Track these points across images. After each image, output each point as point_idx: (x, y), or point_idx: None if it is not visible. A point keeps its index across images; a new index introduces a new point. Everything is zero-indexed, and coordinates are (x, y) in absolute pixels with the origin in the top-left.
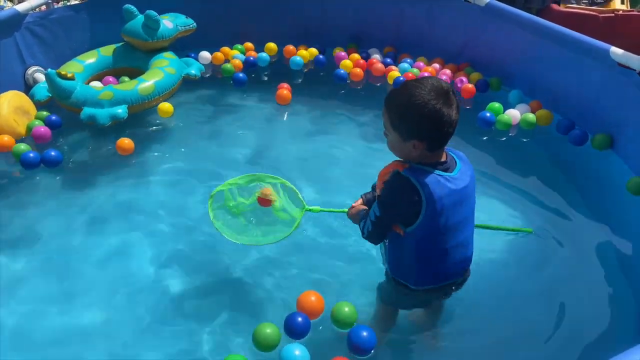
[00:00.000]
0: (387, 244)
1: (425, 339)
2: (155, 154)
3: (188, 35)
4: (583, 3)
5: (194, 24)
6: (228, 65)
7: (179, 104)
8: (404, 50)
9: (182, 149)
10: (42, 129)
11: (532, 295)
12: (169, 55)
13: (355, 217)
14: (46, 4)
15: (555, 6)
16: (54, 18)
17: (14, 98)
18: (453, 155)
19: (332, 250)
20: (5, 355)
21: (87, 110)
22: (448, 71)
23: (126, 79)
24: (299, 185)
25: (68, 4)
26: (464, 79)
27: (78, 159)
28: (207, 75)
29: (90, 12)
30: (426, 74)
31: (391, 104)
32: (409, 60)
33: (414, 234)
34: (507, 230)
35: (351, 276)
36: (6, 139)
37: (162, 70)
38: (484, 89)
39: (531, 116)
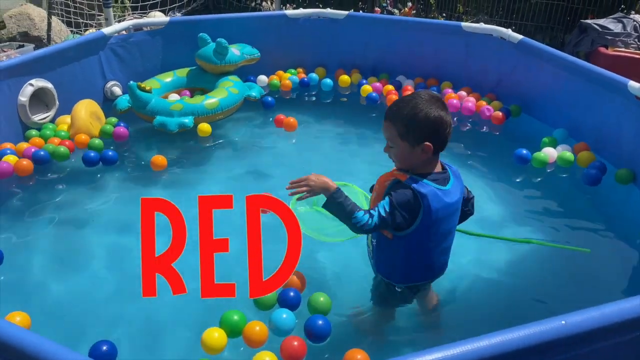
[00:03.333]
0: (374, 242)
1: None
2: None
3: (253, 63)
4: (632, 47)
5: (258, 53)
6: (277, 82)
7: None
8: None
9: (218, 166)
10: (121, 128)
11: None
12: (234, 78)
13: (330, 194)
14: (127, 29)
15: (603, 49)
16: (133, 41)
17: (90, 104)
18: (447, 168)
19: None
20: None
21: (159, 119)
22: (472, 98)
23: (200, 94)
24: None
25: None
26: (490, 108)
27: (132, 163)
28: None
29: (164, 38)
30: (454, 101)
31: (396, 117)
32: (434, 88)
33: (405, 239)
34: (566, 248)
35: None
36: (83, 137)
37: (227, 89)
38: (507, 117)
39: (569, 154)
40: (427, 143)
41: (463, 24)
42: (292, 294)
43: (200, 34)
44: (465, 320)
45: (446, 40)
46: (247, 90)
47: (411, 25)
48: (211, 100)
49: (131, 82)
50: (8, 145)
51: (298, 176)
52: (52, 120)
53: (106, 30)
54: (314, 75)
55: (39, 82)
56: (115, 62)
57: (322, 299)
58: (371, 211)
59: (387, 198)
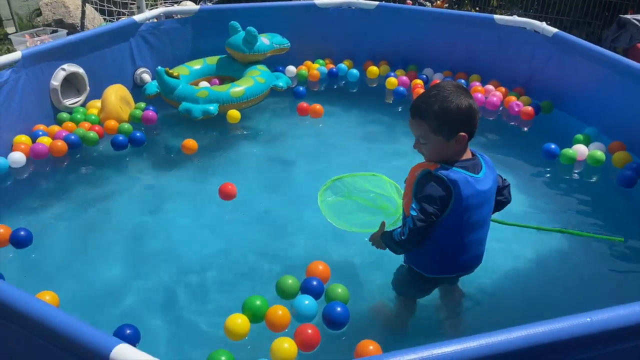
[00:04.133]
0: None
1: (446, 327)
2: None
3: (282, 53)
4: None
5: (288, 43)
6: (304, 72)
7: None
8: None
9: (245, 153)
10: (150, 112)
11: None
12: (261, 67)
13: (379, 240)
14: (157, 16)
15: None
16: (163, 28)
17: (120, 89)
18: (480, 157)
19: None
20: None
21: (184, 105)
22: (498, 93)
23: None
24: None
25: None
26: (519, 103)
27: (161, 147)
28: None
29: (194, 26)
30: (479, 95)
31: (427, 113)
32: (462, 81)
33: (438, 227)
34: (599, 237)
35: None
36: (113, 123)
37: (254, 78)
38: (537, 112)
39: (600, 154)
40: (462, 133)
41: (496, 16)
42: (315, 282)
43: (231, 22)
44: (487, 315)
45: (478, 33)
46: (274, 80)
47: (443, 17)
48: (237, 88)
49: (159, 67)
50: (41, 127)
51: (321, 165)
52: (83, 105)
53: (137, 17)
54: (342, 65)
55: (70, 67)
56: (146, 49)
57: (340, 290)
58: (407, 219)
59: (414, 201)
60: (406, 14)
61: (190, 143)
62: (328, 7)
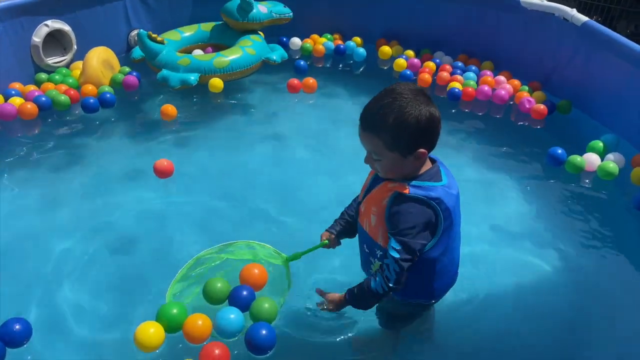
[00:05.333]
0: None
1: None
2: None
3: (284, 23)
4: None
5: (291, 13)
6: (309, 46)
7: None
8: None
9: (226, 125)
10: (131, 77)
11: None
12: (255, 37)
13: (341, 303)
14: None
15: None
16: None
17: (103, 52)
18: (434, 159)
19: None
20: None
21: (163, 72)
22: (509, 86)
23: None
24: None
25: None
26: (531, 99)
27: (140, 113)
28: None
29: None
30: (486, 88)
31: (380, 127)
32: (473, 68)
33: (433, 251)
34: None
35: None
36: (90, 88)
37: (243, 49)
38: (550, 111)
39: (612, 165)
40: (422, 150)
41: None
42: (245, 292)
43: None
44: (462, 339)
45: (500, 17)
46: (267, 52)
47: None
48: (222, 58)
49: (140, 30)
50: (16, 85)
51: (308, 145)
52: (68, 65)
53: None
54: (351, 43)
55: (55, 24)
56: (142, 10)
57: (266, 305)
58: (384, 262)
59: (392, 239)
60: None
61: (169, 109)
62: None
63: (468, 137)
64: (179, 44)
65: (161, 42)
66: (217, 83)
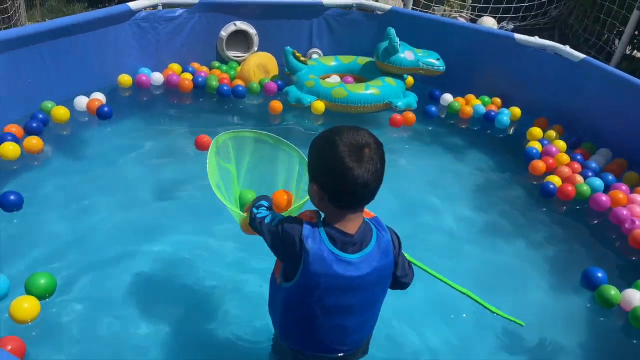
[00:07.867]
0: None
1: None
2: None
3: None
4: None
5: (441, 67)
6: (457, 104)
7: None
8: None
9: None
10: (271, 84)
11: None
12: (389, 80)
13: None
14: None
15: None
16: (352, 19)
17: (262, 58)
18: (375, 234)
19: None
20: None
21: (290, 87)
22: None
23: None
24: None
25: None
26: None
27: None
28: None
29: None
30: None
31: (311, 144)
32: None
33: (286, 291)
34: (502, 315)
35: None
36: (239, 82)
37: (367, 87)
38: None
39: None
40: (315, 186)
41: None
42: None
43: (389, 27)
44: None
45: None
46: (394, 97)
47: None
48: (342, 90)
49: (287, 47)
50: (195, 64)
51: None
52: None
53: (325, 0)
54: (506, 110)
55: (242, 25)
56: (326, 34)
57: (42, 280)
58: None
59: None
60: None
61: (275, 105)
62: (529, 45)
63: None
64: (328, 69)
65: (304, 62)
66: (318, 105)
